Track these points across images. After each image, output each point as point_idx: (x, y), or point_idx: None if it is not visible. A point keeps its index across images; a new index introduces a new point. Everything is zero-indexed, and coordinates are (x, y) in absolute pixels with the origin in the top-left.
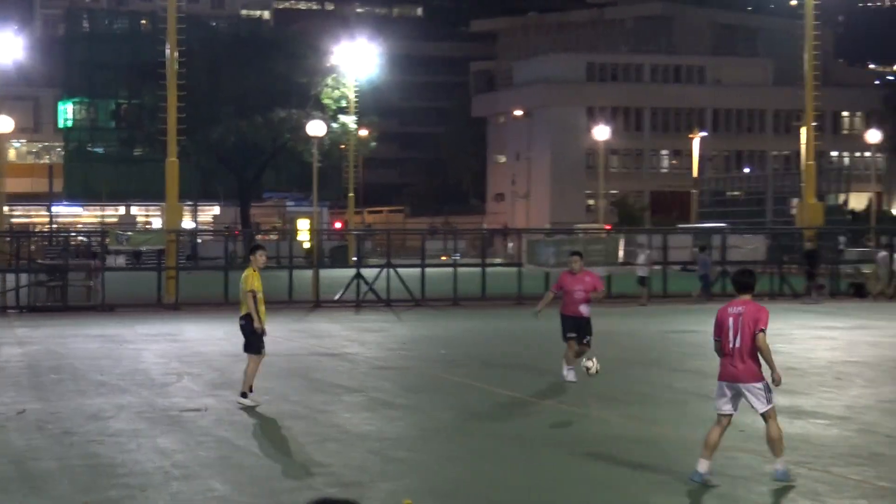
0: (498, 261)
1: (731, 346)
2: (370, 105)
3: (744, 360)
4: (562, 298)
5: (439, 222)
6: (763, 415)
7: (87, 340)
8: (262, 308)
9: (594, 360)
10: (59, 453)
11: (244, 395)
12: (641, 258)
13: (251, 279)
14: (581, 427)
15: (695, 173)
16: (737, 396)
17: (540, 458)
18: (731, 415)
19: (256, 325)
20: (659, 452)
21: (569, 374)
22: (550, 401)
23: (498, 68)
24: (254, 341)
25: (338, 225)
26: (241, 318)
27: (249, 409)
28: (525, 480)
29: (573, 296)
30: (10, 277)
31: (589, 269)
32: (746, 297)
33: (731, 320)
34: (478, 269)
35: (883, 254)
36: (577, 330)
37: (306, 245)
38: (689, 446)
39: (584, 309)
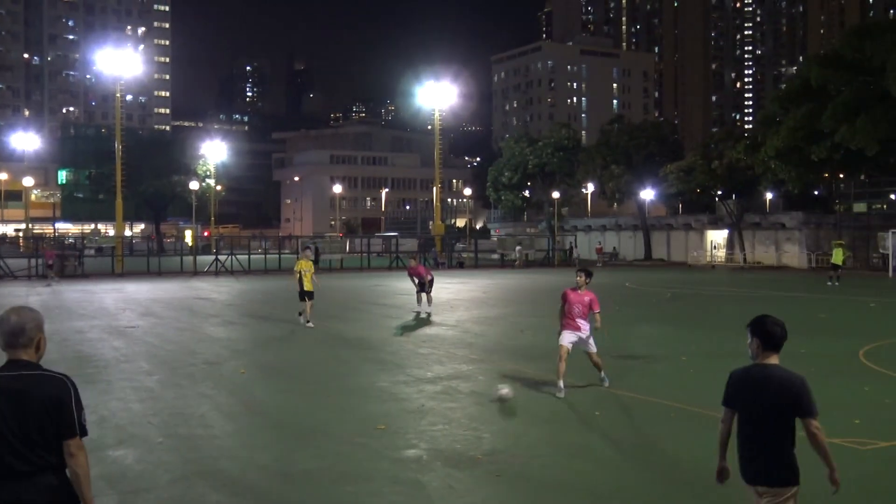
0: (287, 251)
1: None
2: (222, 173)
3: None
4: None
5: (257, 232)
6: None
7: (74, 293)
8: (305, 279)
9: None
10: (58, 350)
11: (307, 320)
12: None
13: (300, 264)
14: None
15: (383, 209)
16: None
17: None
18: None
19: (301, 288)
20: None
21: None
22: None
23: (286, 157)
24: (302, 294)
25: (206, 233)
26: (299, 284)
27: (176, 327)
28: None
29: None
30: (23, 262)
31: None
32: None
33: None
34: (275, 256)
35: (519, 247)
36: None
37: (189, 243)
38: None
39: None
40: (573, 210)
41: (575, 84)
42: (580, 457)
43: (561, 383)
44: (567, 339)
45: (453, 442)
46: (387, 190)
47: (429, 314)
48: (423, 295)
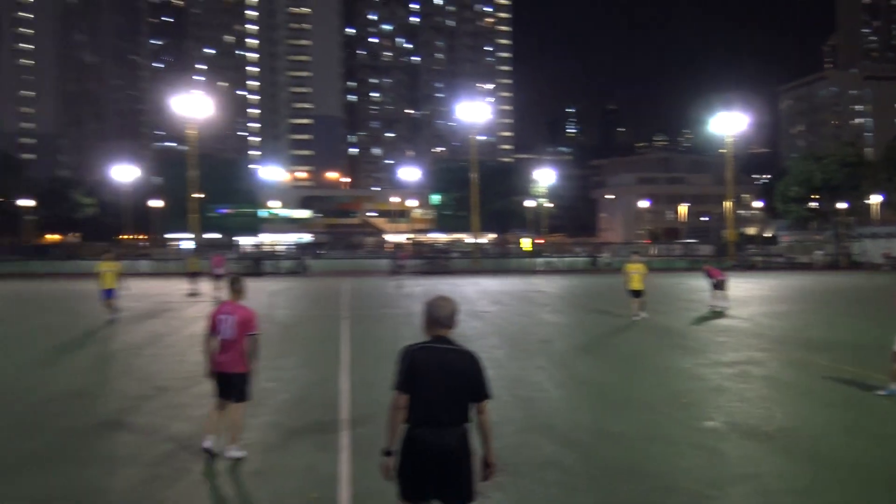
0: (601, 255)
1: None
2: (551, 193)
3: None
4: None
5: (580, 239)
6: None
7: (444, 285)
8: (635, 279)
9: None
10: None
11: (636, 313)
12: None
13: (630, 266)
14: None
15: (683, 220)
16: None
17: None
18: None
19: (631, 286)
20: None
21: None
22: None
23: (601, 179)
24: (633, 292)
25: (539, 240)
26: (630, 283)
27: (517, 313)
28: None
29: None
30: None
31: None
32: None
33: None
34: (592, 259)
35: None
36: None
37: (526, 248)
38: None
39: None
40: (859, 219)
41: (859, 107)
42: (875, 443)
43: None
44: None
45: (747, 417)
46: (685, 204)
47: (724, 309)
48: (718, 292)
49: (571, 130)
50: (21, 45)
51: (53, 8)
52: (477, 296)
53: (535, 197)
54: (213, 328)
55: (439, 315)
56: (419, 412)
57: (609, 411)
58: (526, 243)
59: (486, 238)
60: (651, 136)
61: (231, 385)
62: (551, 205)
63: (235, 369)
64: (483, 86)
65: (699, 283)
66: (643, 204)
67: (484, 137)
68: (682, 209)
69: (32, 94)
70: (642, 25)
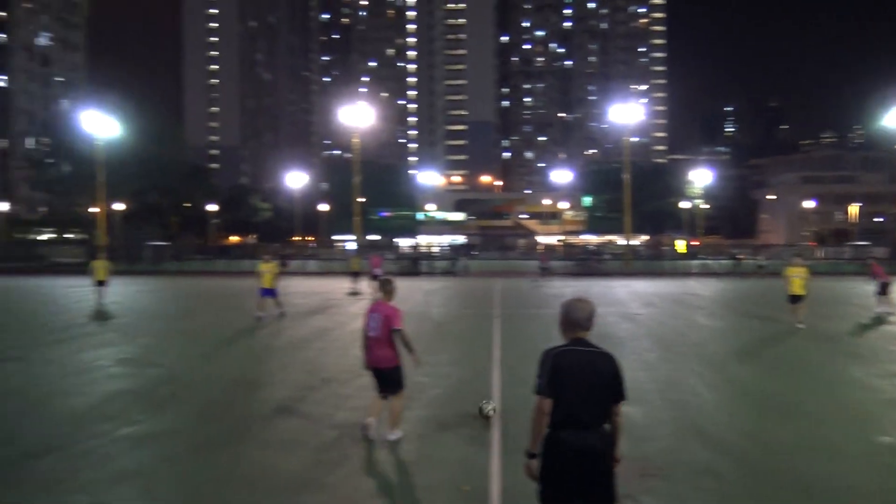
0: (759, 258)
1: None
2: (707, 194)
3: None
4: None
5: (737, 242)
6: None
7: (595, 286)
8: (795, 284)
9: None
10: None
11: (799, 321)
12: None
13: (790, 270)
14: None
15: (853, 221)
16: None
17: None
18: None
19: (792, 291)
20: None
21: None
22: None
23: (762, 179)
24: (792, 297)
25: (694, 242)
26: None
27: (670, 315)
28: None
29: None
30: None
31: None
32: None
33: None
34: (751, 261)
35: None
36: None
37: (681, 250)
38: None
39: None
40: None
41: None
42: None
43: None
44: None
45: None
46: (856, 204)
47: (887, 315)
48: (883, 297)
49: (729, 129)
50: (210, 66)
51: (237, 32)
52: (629, 298)
53: (690, 198)
54: (367, 325)
55: (578, 317)
56: (561, 414)
57: (769, 419)
58: (680, 245)
59: (639, 240)
60: (817, 133)
61: (385, 379)
62: (707, 206)
63: (387, 364)
64: (636, 87)
65: (869, 289)
66: (808, 204)
67: (637, 138)
68: (853, 209)
69: (217, 110)
70: (806, 17)
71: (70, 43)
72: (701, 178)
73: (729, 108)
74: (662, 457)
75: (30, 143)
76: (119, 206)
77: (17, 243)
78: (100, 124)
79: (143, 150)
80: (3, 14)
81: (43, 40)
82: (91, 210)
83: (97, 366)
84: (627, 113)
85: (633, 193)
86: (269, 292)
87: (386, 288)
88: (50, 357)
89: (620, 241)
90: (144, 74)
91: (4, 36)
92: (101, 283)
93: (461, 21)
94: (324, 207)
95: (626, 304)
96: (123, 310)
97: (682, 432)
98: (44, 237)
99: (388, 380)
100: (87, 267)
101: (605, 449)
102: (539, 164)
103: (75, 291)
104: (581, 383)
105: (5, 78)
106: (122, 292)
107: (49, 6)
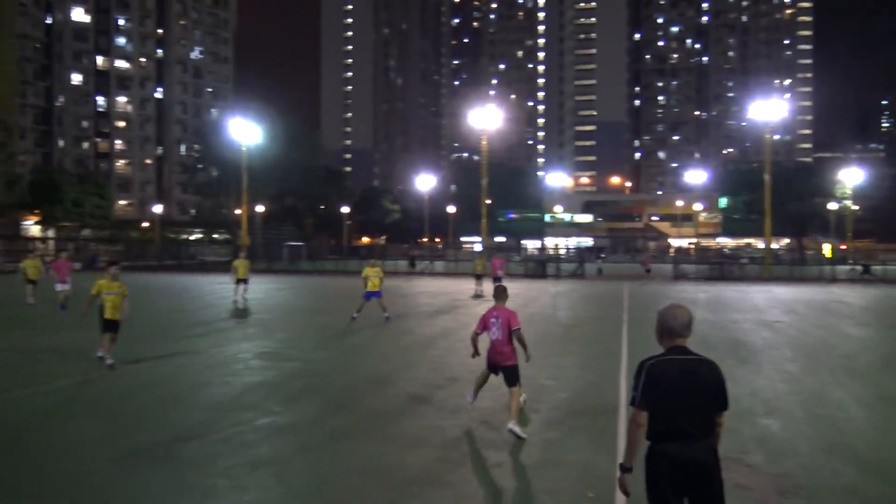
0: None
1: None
2: (859, 195)
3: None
4: None
5: (893, 246)
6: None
7: (731, 292)
8: None
9: None
10: (719, 335)
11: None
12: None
13: None
14: None
15: None
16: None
17: None
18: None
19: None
20: None
21: None
22: None
23: None
24: None
25: (843, 247)
26: None
27: (814, 324)
28: None
29: None
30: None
31: None
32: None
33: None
34: None
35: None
36: None
37: (828, 255)
38: None
39: None
40: None
41: None
42: None
43: None
44: None
45: None
46: None
47: None
48: None
49: (885, 124)
50: (345, 74)
51: (371, 40)
52: (767, 304)
53: (838, 199)
54: (483, 328)
55: (676, 324)
56: (662, 426)
57: None
58: (827, 249)
59: (780, 243)
60: None
61: (505, 374)
62: (857, 207)
63: (508, 362)
64: (779, 82)
65: None
66: None
67: (779, 136)
68: None
69: (351, 115)
70: None
71: (220, 56)
72: (851, 177)
73: (885, 101)
74: (804, 474)
75: (182, 150)
76: (260, 209)
77: (170, 243)
78: (245, 131)
79: (283, 156)
80: (160, 31)
81: (196, 54)
82: (235, 212)
83: (239, 358)
84: (769, 109)
85: (773, 194)
86: (374, 294)
87: (500, 294)
88: (196, 349)
89: (759, 244)
90: (286, 83)
91: (161, 51)
92: (242, 281)
93: (592, 20)
94: (452, 209)
95: (765, 311)
96: (262, 306)
97: (827, 449)
98: (193, 237)
99: (508, 375)
100: (229, 266)
101: (713, 461)
102: (672, 165)
103: (220, 288)
104: (682, 393)
105: (161, 90)
106: (261, 289)
107: (201, 22)
